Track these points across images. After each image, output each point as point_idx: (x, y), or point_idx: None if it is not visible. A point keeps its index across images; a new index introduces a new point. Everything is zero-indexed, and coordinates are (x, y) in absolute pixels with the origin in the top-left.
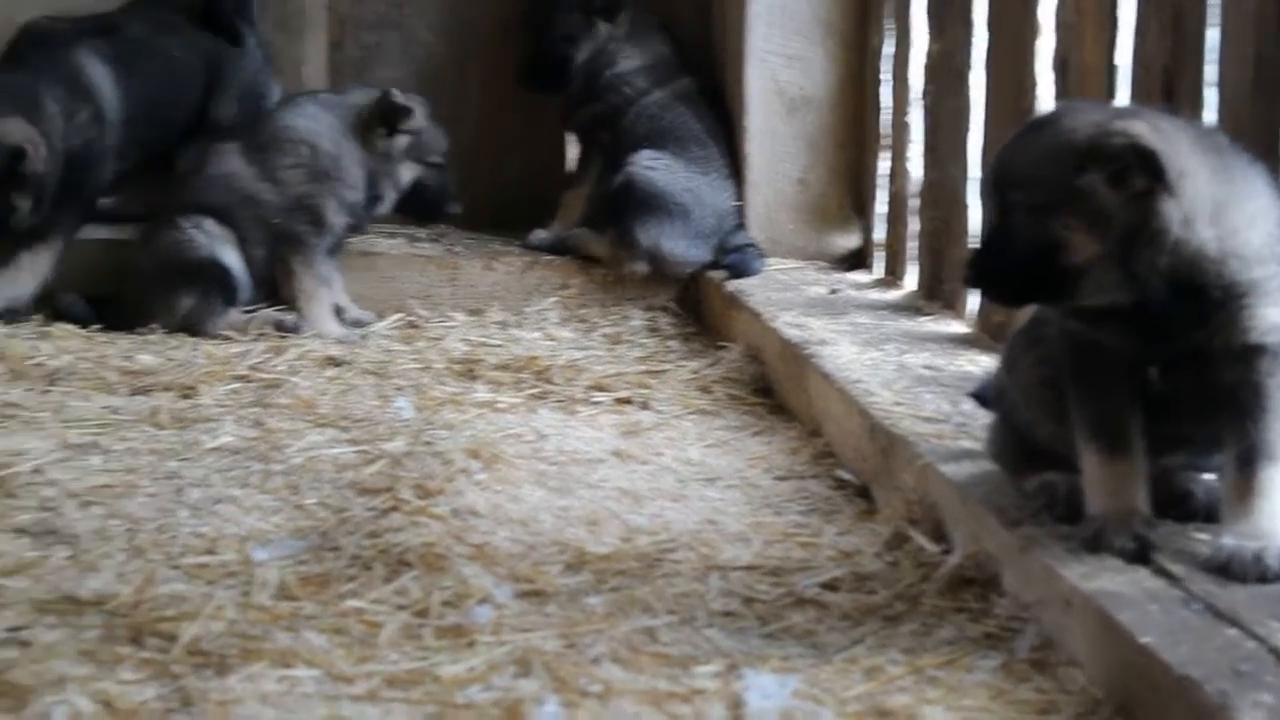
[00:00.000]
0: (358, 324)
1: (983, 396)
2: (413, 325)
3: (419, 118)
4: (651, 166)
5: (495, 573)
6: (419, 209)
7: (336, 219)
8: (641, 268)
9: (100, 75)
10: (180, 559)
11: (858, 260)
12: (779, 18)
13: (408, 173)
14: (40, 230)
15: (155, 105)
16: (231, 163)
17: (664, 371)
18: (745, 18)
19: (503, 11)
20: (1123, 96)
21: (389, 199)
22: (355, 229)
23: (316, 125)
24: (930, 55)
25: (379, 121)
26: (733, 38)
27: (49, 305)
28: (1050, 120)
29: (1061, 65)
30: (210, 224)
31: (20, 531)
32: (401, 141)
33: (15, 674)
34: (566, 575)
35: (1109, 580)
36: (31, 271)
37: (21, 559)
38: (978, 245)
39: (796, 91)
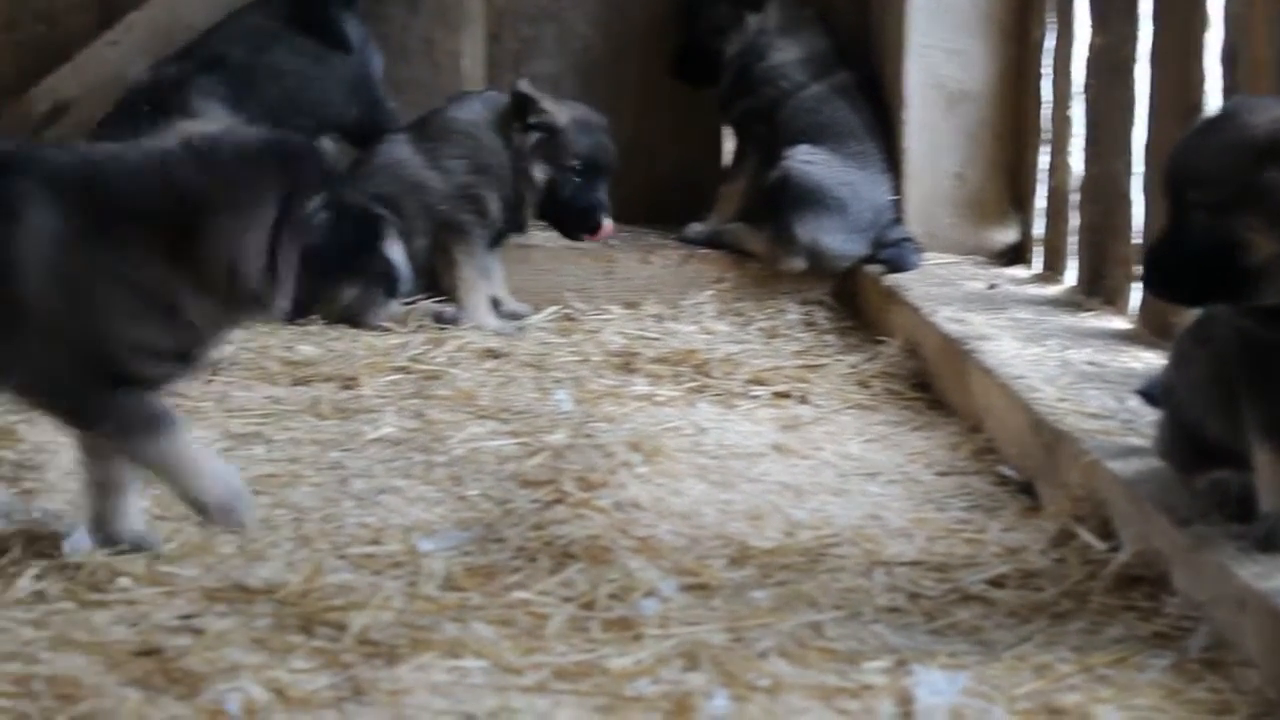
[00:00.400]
0: (514, 316)
1: (1150, 394)
2: (569, 318)
3: (553, 115)
4: (809, 161)
5: (660, 566)
6: (554, 218)
7: (496, 211)
8: (798, 263)
9: (218, 115)
10: (346, 549)
11: (1016, 255)
12: (940, 11)
13: (539, 173)
14: None
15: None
16: (400, 151)
17: (822, 366)
18: (905, 11)
19: (660, 4)
20: None
21: (528, 200)
22: (512, 226)
23: (477, 119)
24: (1093, 49)
25: (514, 115)
26: (892, 31)
27: None
28: (1228, 116)
29: (1230, 58)
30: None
31: (187, 519)
32: (532, 138)
33: (189, 661)
34: (731, 569)
35: None
36: None
37: (190, 546)
38: (1152, 244)
39: (956, 85)
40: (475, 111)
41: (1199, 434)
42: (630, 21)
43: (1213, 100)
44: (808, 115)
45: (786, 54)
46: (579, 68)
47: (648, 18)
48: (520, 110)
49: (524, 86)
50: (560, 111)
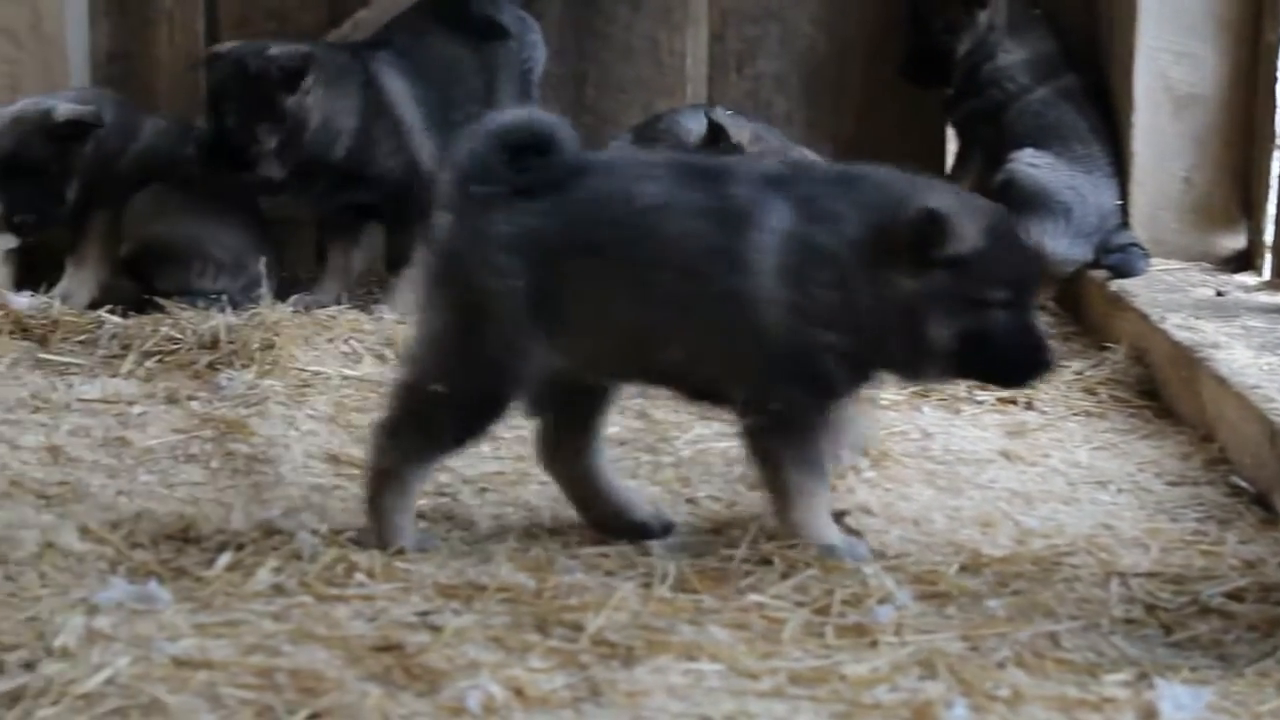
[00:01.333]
0: None
1: None
2: None
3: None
4: (1034, 164)
5: (892, 572)
6: None
7: None
8: None
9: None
10: (578, 549)
11: (1244, 262)
12: (1170, 14)
13: None
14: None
15: (444, 110)
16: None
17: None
18: (1135, 14)
19: (882, 4)
20: None
21: None
22: None
23: (690, 125)
24: None
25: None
26: (1121, 34)
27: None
28: None
29: None
30: None
31: (419, 516)
32: None
33: (428, 657)
34: (964, 576)
35: None
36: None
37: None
38: None
39: (1185, 89)
40: (689, 118)
41: None
42: (853, 21)
43: None
44: (1034, 118)
45: (1014, 55)
46: (802, 67)
47: (871, 17)
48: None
49: (717, 115)
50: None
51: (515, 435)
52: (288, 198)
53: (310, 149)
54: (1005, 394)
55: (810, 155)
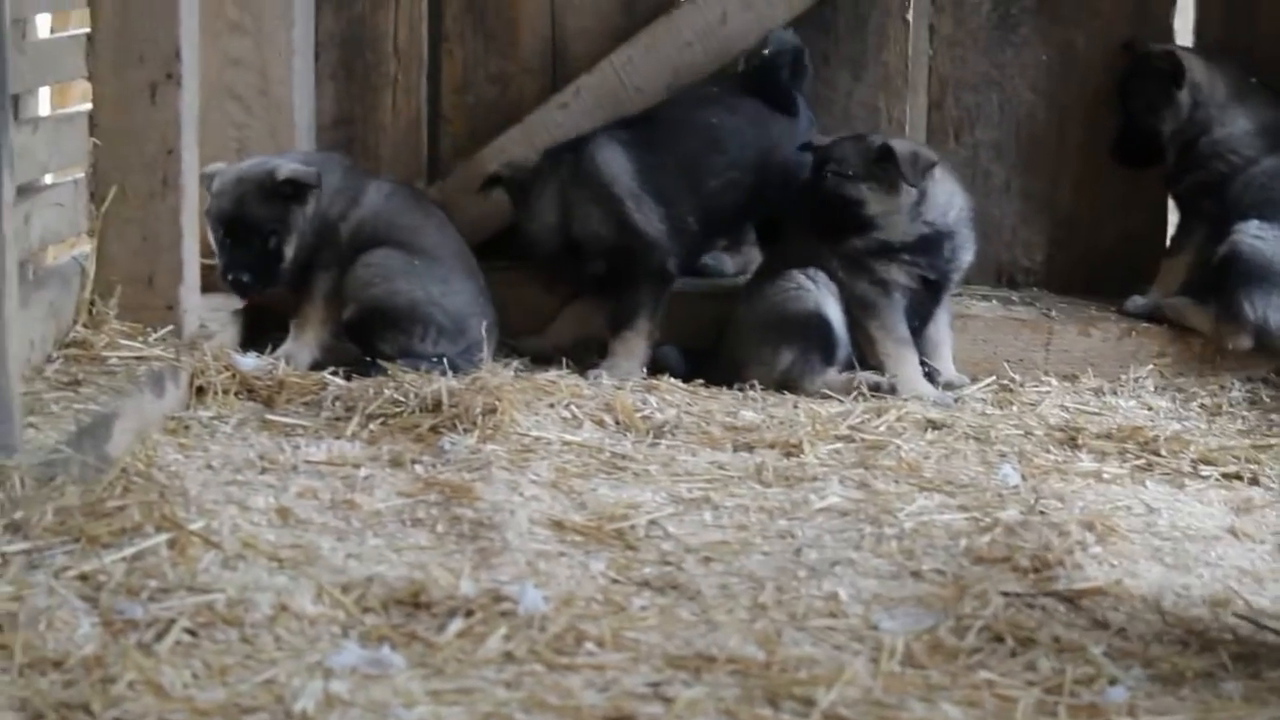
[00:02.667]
0: (949, 386)
1: None
2: (1006, 389)
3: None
4: (1260, 237)
5: (1124, 651)
6: None
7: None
8: (1246, 341)
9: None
10: (805, 620)
11: None
12: None
13: None
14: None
15: (690, 171)
16: None
17: (1271, 446)
18: None
19: (1101, 73)
20: None
21: None
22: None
23: None
24: None
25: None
26: None
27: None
28: None
29: None
30: (822, 276)
31: (644, 584)
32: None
33: None
34: (1197, 657)
35: None
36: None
37: (651, 612)
38: None
39: None
40: None
41: None
42: (1072, 90)
43: None
44: (1261, 190)
45: (1234, 127)
46: (1020, 136)
47: (1091, 86)
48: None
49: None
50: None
51: (736, 504)
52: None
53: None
54: (1230, 470)
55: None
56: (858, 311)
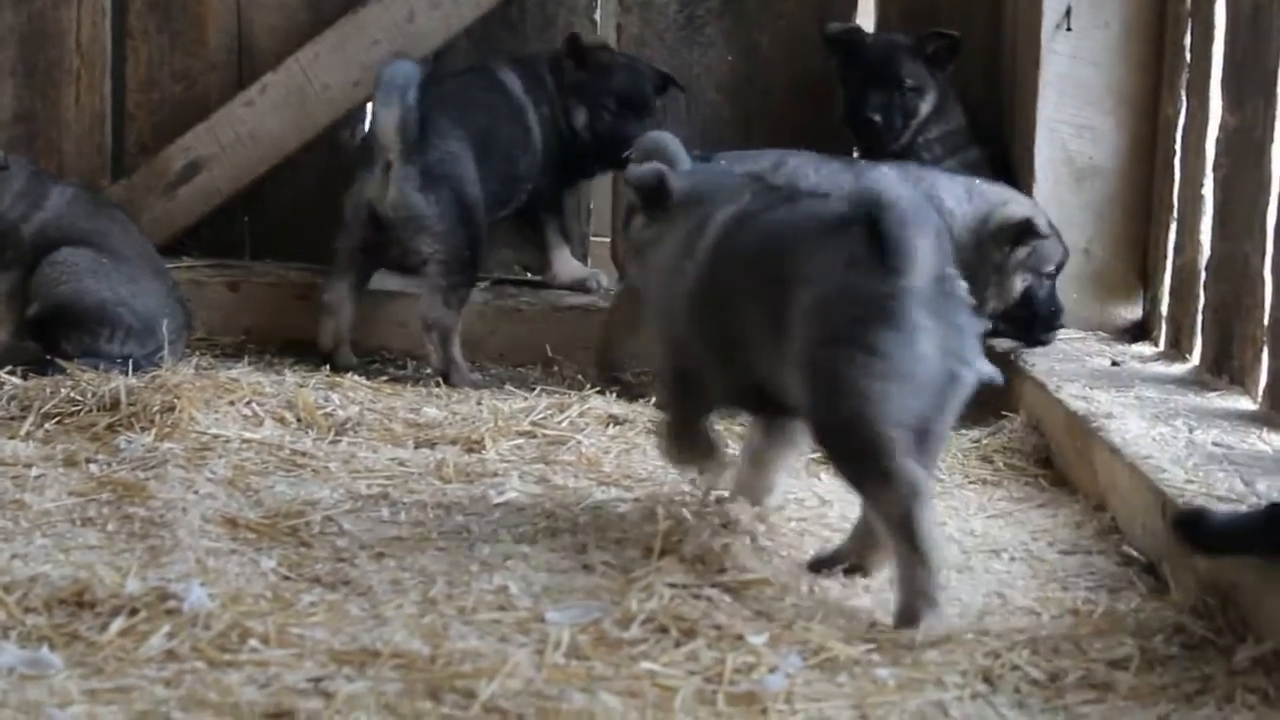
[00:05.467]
0: None
1: None
2: None
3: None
4: None
5: (785, 640)
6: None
7: None
8: None
9: None
10: (473, 614)
11: (1140, 332)
12: (1071, 87)
13: None
14: None
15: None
16: None
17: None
18: (1037, 88)
19: (788, 73)
20: None
21: None
22: None
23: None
24: (1225, 128)
25: None
26: (1023, 108)
27: None
28: None
29: None
30: None
31: (315, 581)
32: None
33: None
34: (855, 645)
35: None
36: None
37: (319, 609)
38: None
39: (1085, 161)
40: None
41: None
42: (756, 90)
43: None
44: None
45: (936, 130)
46: (706, 135)
47: (777, 87)
48: None
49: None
50: None
51: (414, 500)
52: None
53: None
54: None
55: None
56: None
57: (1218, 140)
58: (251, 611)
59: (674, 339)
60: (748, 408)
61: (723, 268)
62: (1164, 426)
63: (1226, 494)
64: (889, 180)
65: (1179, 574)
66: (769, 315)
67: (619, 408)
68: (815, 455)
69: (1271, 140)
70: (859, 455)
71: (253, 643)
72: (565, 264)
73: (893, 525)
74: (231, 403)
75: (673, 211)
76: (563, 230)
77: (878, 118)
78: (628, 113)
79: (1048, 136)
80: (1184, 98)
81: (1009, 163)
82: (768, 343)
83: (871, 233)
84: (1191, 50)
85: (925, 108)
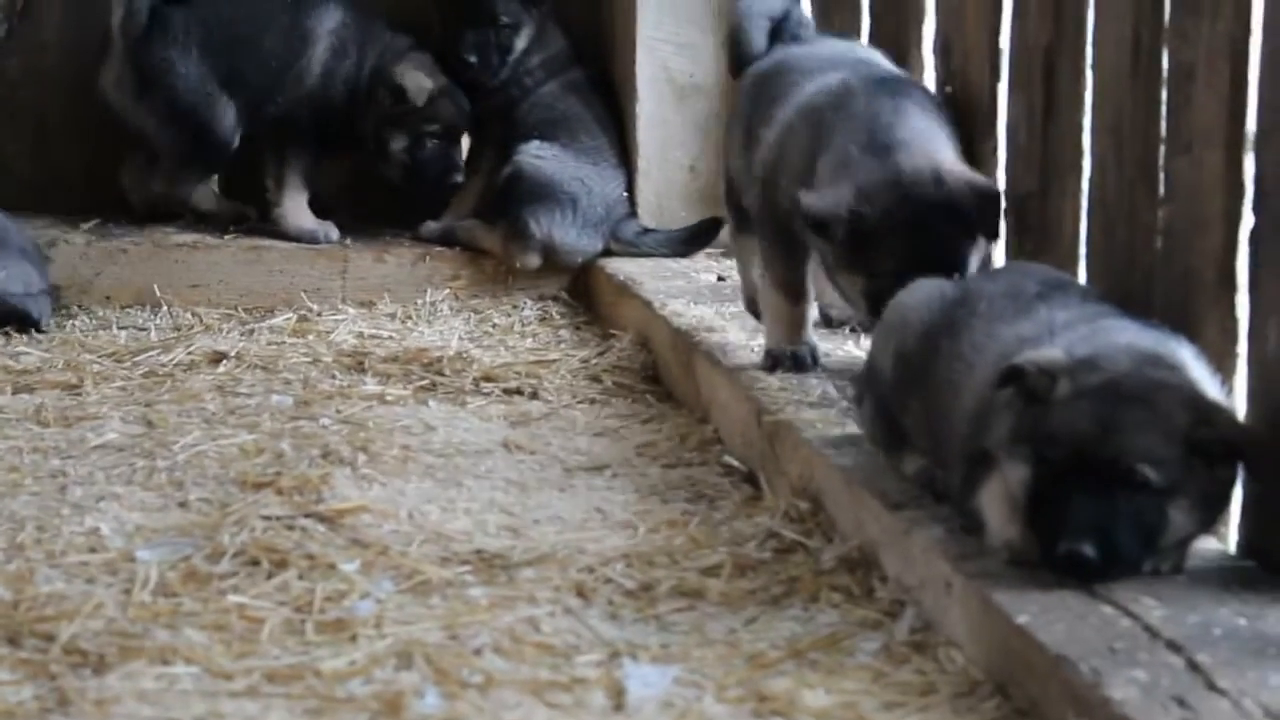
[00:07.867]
0: None
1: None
2: (304, 319)
3: None
4: (539, 156)
5: (379, 566)
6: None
7: None
8: (534, 259)
9: None
10: (62, 558)
11: None
12: (669, 5)
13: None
14: None
15: None
16: None
17: (554, 361)
18: (635, 6)
19: None
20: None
21: None
22: None
23: None
24: None
25: None
26: (623, 26)
27: None
28: None
29: (945, 49)
30: None
31: None
32: None
33: None
34: (450, 567)
35: (989, 562)
36: None
37: None
38: None
39: (686, 79)
40: None
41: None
42: None
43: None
44: (542, 111)
45: (535, 59)
46: None
47: None
48: None
49: None
50: None
51: (9, 446)
52: None
53: None
54: (512, 385)
55: None
56: None
57: None
58: None
59: None
60: None
61: None
62: (764, 338)
63: (819, 400)
64: None
65: (774, 481)
66: None
67: (226, 344)
68: (425, 383)
69: None
70: None
71: None
72: (298, 212)
73: None
74: None
75: None
76: (306, 175)
77: (473, 58)
78: None
79: (648, 55)
80: None
81: (611, 82)
82: None
83: None
84: None
85: (521, 43)
